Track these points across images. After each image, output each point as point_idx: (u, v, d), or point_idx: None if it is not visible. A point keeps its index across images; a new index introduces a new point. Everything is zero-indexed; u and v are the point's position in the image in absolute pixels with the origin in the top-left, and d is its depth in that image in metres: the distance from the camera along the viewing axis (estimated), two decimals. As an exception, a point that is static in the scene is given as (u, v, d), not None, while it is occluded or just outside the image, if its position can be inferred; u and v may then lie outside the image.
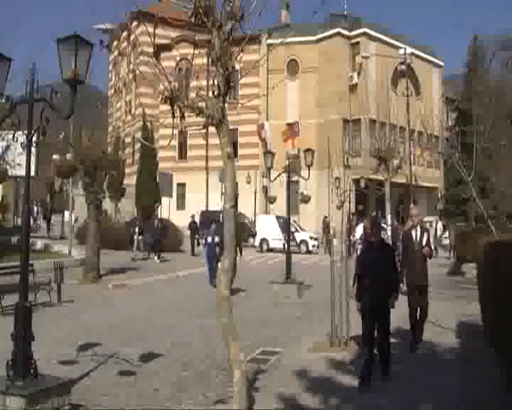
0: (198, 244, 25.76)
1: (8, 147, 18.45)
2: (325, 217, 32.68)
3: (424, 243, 8.14)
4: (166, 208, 29.89)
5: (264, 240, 30.34)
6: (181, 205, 40.12)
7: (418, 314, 8.17)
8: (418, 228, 8.30)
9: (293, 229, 25.37)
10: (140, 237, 24.44)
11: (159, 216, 25.60)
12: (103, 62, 55.04)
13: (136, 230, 24.47)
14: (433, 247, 9.09)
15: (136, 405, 5.88)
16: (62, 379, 5.71)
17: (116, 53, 50.48)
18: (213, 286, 15.14)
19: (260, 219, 32.14)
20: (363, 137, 37.70)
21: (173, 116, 5.17)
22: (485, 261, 8.29)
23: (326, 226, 31.74)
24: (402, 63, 33.72)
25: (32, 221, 33.79)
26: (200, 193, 39.95)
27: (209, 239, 16.32)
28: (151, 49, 5.51)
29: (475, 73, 36.93)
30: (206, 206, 38.78)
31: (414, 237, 8.22)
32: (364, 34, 39.18)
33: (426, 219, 34.18)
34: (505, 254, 6.23)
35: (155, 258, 22.63)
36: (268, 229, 30.02)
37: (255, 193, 36.97)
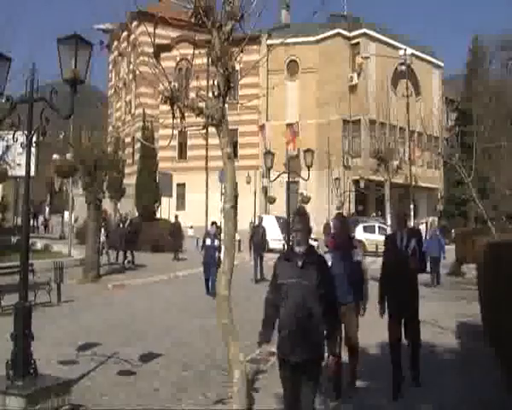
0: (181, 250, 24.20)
1: (8, 147, 18.45)
2: (327, 222, 32.46)
3: (411, 252, 6.18)
4: (166, 208, 29.97)
5: (263, 240, 30.33)
6: (181, 205, 40.15)
7: (410, 349, 6.48)
8: (405, 231, 6.34)
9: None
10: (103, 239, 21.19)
11: (123, 213, 23.05)
12: (103, 62, 55.11)
13: (102, 231, 21.33)
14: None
15: (136, 405, 5.88)
16: (62, 379, 5.71)
17: (116, 53, 50.50)
18: (209, 295, 13.21)
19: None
20: (363, 138, 37.77)
21: (173, 116, 5.17)
22: (485, 262, 8.30)
23: (328, 230, 31.54)
24: (402, 64, 33.77)
25: (43, 221, 34.16)
26: (200, 193, 39.97)
27: (208, 242, 14.68)
28: (151, 50, 5.54)
29: (475, 74, 37.00)
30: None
31: (398, 244, 6.27)
32: (364, 35, 39.22)
33: (424, 220, 34.26)
34: (505, 255, 6.24)
35: (125, 262, 20.23)
36: (268, 229, 30.00)
37: (255, 193, 36.96)
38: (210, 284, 13.97)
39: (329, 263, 5.75)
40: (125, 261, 20.22)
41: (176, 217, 25.85)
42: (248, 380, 5.64)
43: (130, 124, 47.23)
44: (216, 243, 14.45)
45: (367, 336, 7.43)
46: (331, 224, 6.70)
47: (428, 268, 16.29)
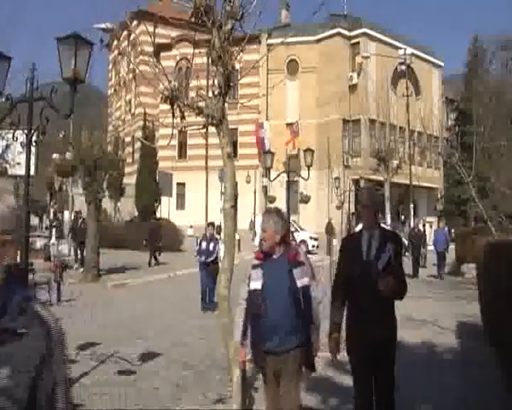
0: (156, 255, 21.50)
1: (7, 146, 18.45)
2: (329, 221, 32.36)
3: (384, 266, 3.87)
4: (166, 208, 30.01)
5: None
6: (180, 205, 40.18)
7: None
8: (376, 232, 4.02)
9: (292, 229, 25.40)
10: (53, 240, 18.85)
11: (79, 211, 20.56)
12: (103, 62, 55.12)
13: (53, 232, 18.95)
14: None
15: (136, 404, 5.88)
16: (62, 379, 5.70)
17: (116, 52, 50.48)
18: (204, 310, 11.74)
19: (259, 219, 32.14)
20: (363, 137, 37.76)
21: (173, 116, 5.16)
22: (485, 262, 8.29)
23: (330, 229, 31.38)
24: (402, 63, 33.79)
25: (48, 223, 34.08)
26: (200, 193, 39.97)
27: (203, 245, 12.52)
28: (151, 49, 5.52)
29: (475, 74, 37.05)
30: (206, 206, 38.67)
31: (364, 252, 3.99)
32: (364, 34, 39.21)
33: (428, 219, 34.23)
34: (505, 254, 6.23)
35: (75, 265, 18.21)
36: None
37: (255, 193, 36.97)
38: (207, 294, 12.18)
39: (256, 285, 3.85)
40: (77, 262, 18.46)
41: (153, 216, 24.42)
42: (248, 380, 5.64)
43: (130, 123, 47.24)
44: (211, 246, 12.35)
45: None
46: (269, 223, 3.98)
47: (436, 261, 18.73)
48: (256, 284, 3.87)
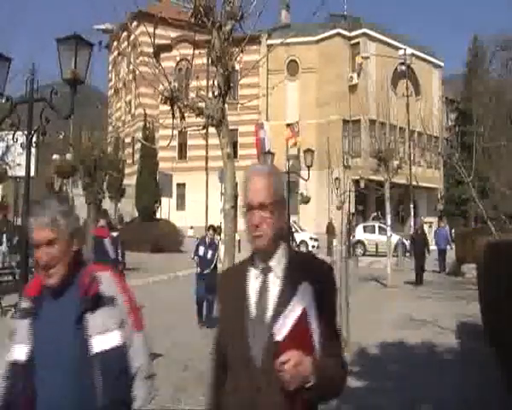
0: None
1: (8, 147, 18.46)
2: (330, 221, 32.27)
3: (288, 330, 1.68)
4: (166, 209, 30.03)
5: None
6: (180, 205, 40.18)
7: None
8: (278, 260, 1.85)
9: (292, 229, 25.40)
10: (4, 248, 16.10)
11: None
12: (103, 62, 55.18)
13: (4, 238, 15.82)
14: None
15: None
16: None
17: (116, 53, 50.52)
18: (201, 325, 10.29)
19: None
20: (363, 138, 37.71)
21: (173, 116, 5.17)
22: (485, 262, 8.30)
23: (331, 229, 31.26)
24: (402, 64, 33.78)
25: None
26: (200, 193, 39.99)
27: (201, 251, 10.97)
28: (151, 50, 5.51)
29: (475, 74, 37.07)
30: (206, 206, 38.68)
31: (252, 304, 1.83)
32: (364, 34, 39.23)
33: (427, 219, 34.22)
34: (505, 254, 6.24)
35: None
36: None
37: (255, 193, 36.92)
38: (205, 307, 10.70)
39: (18, 354, 1.91)
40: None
41: (106, 216, 24.39)
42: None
43: (130, 124, 47.27)
44: (209, 254, 10.86)
45: (367, 336, 7.43)
46: (50, 217, 1.90)
47: (437, 257, 19.74)
48: (18, 352, 1.92)
